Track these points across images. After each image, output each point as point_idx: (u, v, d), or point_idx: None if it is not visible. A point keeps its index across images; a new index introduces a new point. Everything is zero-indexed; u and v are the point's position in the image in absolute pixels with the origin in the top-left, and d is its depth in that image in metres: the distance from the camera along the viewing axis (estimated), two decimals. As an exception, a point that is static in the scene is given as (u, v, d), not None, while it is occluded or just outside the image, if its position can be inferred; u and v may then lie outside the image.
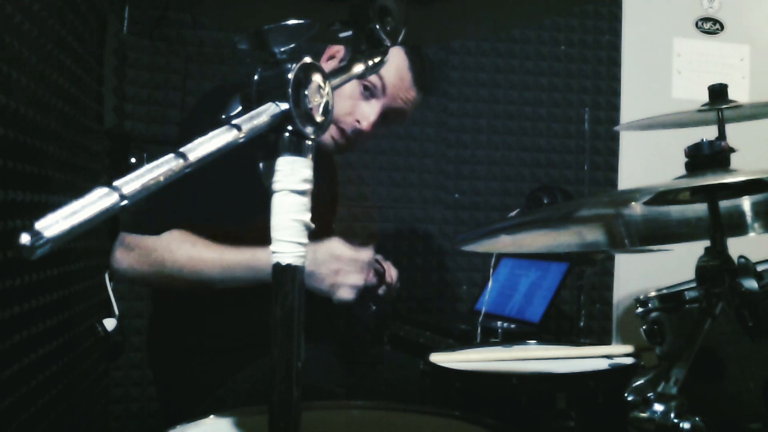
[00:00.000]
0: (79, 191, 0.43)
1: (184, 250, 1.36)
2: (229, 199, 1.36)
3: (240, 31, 0.60)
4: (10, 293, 1.17)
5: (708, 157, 0.98)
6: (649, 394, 0.84)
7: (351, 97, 1.50)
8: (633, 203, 1.10)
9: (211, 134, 0.52)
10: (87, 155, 1.76)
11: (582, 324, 2.08)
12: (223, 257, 1.36)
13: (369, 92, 1.50)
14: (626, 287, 2.67)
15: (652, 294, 1.28)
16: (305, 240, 0.58)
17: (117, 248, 1.39)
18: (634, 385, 1.09)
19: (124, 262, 1.39)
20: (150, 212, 1.37)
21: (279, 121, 0.56)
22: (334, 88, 0.61)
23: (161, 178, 0.48)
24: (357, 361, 1.59)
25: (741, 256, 0.96)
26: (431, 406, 1.12)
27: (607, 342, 2.63)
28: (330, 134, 1.53)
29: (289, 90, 0.56)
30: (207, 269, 1.35)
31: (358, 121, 1.51)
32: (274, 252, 0.57)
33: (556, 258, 2.14)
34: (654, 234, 1.21)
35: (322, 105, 0.59)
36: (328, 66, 1.52)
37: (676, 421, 0.80)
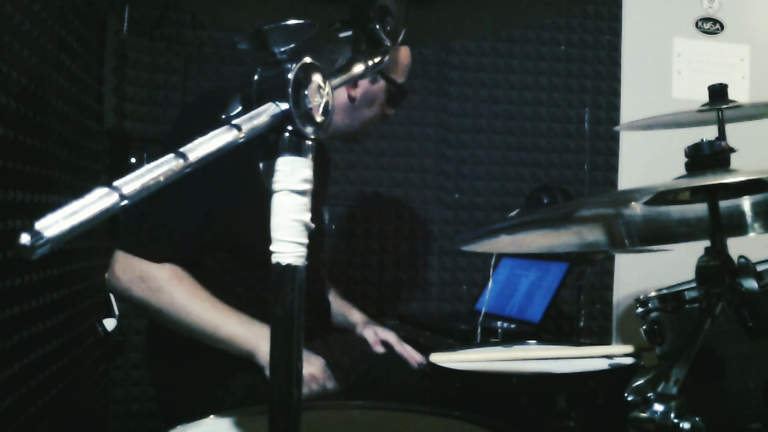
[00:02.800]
0: (79, 191, 0.43)
1: (181, 299, 1.34)
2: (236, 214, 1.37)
3: (240, 31, 0.60)
4: (10, 293, 1.16)
5: (708, 157, 0.98)
6: (649, 394, 0.84)
7: (380, 105, 1.61)
8: (633, 203, 1.10)
9: (211, 134, 0.52)
10: (87, 155, 1.76)
11: (582, 324, 2.08)
12: (214, 321, 1.34)
13: (393, 101, 1.63)
14: (626, 287, 2.67)
15: (652, 294, 1.28)
16: (305, 240, 0.58)
17: (116, 267, 1.35)
18: (634, 385, 1.09)
19: (122, 282, 1.34)
20: (153, 236, 1.35)
21: (279, 121, 0.56)
22: (334, 88, 0.61)
23: (161, 178, 0.48)
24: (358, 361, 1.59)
25: (741, 256, 0.96)
26: (431, 406, 1.12)
27: (607, 342, 2.63)
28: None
29: (289, 90, 0.56)
30: (197, 325, 1.34)
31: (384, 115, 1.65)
32: (273, 252, 0.57)
33: (556, 258, 2.14)
34: (654, 234, 1.21)
35: (322, 105, 0.59)
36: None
37: (676, 421, 0.80)
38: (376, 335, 1.70)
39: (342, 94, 1.56)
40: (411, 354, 1.61)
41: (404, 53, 1.63)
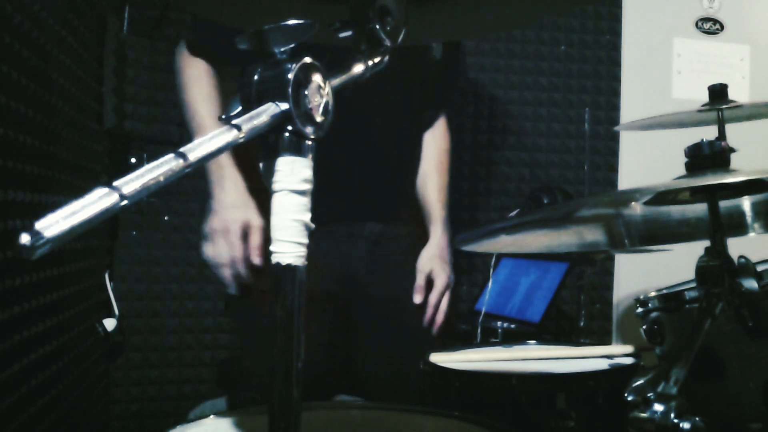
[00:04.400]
0: (79, 191, 0.43)
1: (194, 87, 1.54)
2: None
3: (240, 31, 0.60)
4: (9, 293, 1.16)
5: (708, 157, 0.98)
6: (649, 394, 0.84)
7: None
8: (633, 203, 1.10)
9: (211, 134, 0.52)
10: (87, 155, 1.76)
11: (582, 324, 2.08)
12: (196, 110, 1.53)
13: None
14: (626, 287, 2.67)
15: (652, 294, 1.28)
16: (305, 240, 0.58)
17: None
18: (634, 385, 1.09)
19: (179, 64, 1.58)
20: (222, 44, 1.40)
21: (279, 121, 0.56)
22: (334, 89, 0.61)
23: (161, 178, 0.48)
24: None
25: (741, 256, 0.96)
26: (431, 406, 1.12)
27: (607, 342, 2.63)
28: None
29: (289, 90, 0.56)
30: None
31: None
32: (273, 252, 0.57)
33: (556, 258, 2.14)
34: (654, 234, 1.21)
35: (322, 105, 0.59)
36: None
37: (676, 421, 0.80)
38: (426, 277, 1.54)
39: None
40: (434, 313, 1.52)
41: None
